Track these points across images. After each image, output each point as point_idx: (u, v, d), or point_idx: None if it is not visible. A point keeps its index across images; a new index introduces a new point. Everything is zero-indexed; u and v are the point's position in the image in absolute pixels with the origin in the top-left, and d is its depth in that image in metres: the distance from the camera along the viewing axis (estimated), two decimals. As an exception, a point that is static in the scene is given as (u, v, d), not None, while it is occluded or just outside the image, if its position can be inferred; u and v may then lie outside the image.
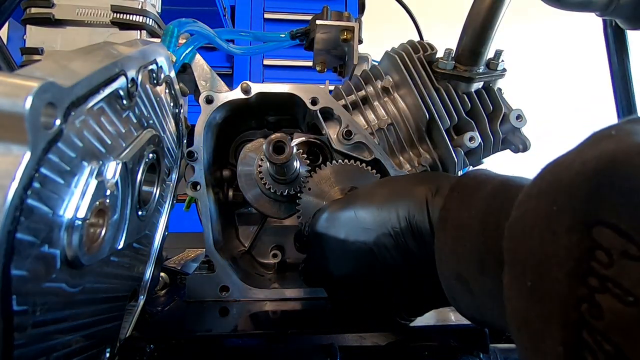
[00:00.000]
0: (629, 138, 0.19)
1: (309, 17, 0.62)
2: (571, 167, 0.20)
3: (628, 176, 0.18)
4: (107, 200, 0.27)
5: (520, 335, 0.21)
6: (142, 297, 0.40)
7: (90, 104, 0.24)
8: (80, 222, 0.24)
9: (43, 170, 0.20)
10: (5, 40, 0.60)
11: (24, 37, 0.54)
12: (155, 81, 0.36)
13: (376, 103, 0.56)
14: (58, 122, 0.20)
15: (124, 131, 0.30)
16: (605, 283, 0.17)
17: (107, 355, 0.33)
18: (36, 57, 0.52)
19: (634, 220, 0.17)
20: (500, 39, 0.53)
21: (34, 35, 0.53)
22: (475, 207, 0.28)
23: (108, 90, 0.26)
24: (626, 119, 0.21)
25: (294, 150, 0.47)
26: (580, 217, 0.18)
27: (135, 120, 0.32)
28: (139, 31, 0.54)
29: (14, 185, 0.18)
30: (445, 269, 0.30)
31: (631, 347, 0.16)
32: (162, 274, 0.56)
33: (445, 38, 0.65)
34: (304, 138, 0.55)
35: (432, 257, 0.31)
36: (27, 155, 0.19)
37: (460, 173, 0.60)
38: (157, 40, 0.51)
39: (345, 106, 0.54)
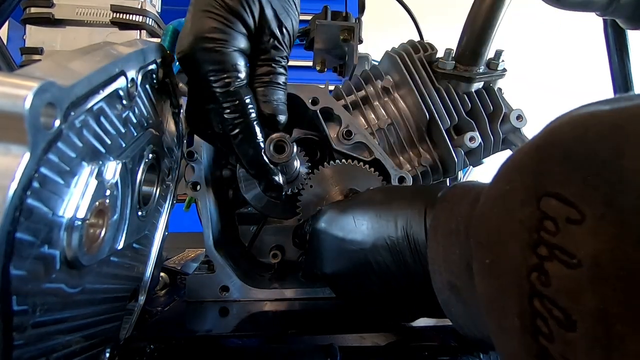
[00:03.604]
0: (566, 116, 0.20)
1: (308, 17, 0.62)
2: (521, 149, 0.22)
3: (563, 146, 0.19)
4: (107, 201, 0.27)
5: (490, 319, 0.22)
6: (142, 297, 0.40)
7: (90, 104, 0.24)
8: (80, 223, 0.24)
9: (43, 170, 0.20)
10: (5, 40, 0.60)
11: (24, 37, 0.54)
12: (154, 81, 0.36)
13: (376, 103, 0.56)
14: (58, 122, 0.20)
15: (123, 131, 0.30)
16: (553, 250, 0.18)
17: (107, 355, 0.33)
18: (36, 56, 0.52)
19: (572, 186, 0.18)
20: (500, 39, 0.53)
21: (34, 35, 0.53)
22: (461, 214, 0.29)
23: (108, 91, 0.26)
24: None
25: (294, 150, 0.47)
26: (530, 191, 0.19)
27: (135, 121, 0.32)
28: (138, 31, 0.54)
29: (14, 185, 0.18)
30: (439, 279, 0.30)
31: (577, 310, 0.16)
32: (162, 274, 0.56)
33: (445, 38, 0.65)
34: (301, 134, 0.55)
35: (425, 269, 0.32)
36: (27, 156, 0.18)
37: (460, 173, 0.61)
38: (157, 40, 0.51)
39: (345, 106, 0.54)
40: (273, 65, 0.41)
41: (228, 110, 0.38)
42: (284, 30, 0.41)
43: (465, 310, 0.28)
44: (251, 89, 0.42)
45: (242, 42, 0.38)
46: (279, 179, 0.44)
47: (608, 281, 0.16)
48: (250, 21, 0.38)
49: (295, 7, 0.42)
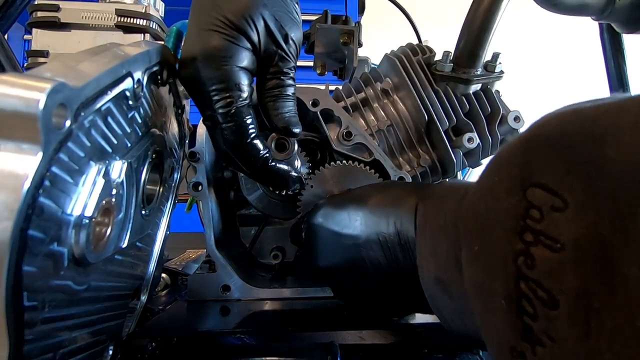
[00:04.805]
0: (553, 112, 0.21)
1: (308, 17, 0.62)
2: (509, 144, 0.23)
3: (548, 139, 0.20)
4: (113, 200, 0.27)
5: (476, 303, 0.23)
6: (144, 295, 0.41)
7: (99, 104, 0.24)
8: (87, 221, 0.24)
9: (54, 169, 0.21)
10: (6, 41, 0.60)
11: (24, 38, 0.55)
12: (159, 82, 0.37)
13: (376, 105, 0.56)
14: (68, 122, 0.21)
15: (129, 131, 0.30)
16: (538, 236, 0.19)
17: (110, 352, 0.33)
18: (41, 59, 0.53)
19: (556, 176, 0.19)
20: (498, 41, 0.54)
21: (40, 38, 0.53)
22: (449, 210, 0.29)
23: (116, 91, 0.27)
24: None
25: (296, 148, 0.47)
26: (516, 181, 0.21)
27: (140, 121, 0.32)
28: (142, 34, 0.54)
29: (27, 183, 0.19)
30: (427, 274, 0.31)
31: (559, 289, 0.18)
32: (163, 275, 0.56)
33: (443, 41, 0.65)
34: (302, 136, 0.56)
35: (415, 265, 0.32)
36: (40, 155, 0.19)
37: (459, 174, 0.61)
38: (161, 43, 0.52)
39: (345, 108, 0.55)
40: (282, 77, 0.41)
41: (227, 132, 0.38)
42: (290, 40, 0.41)
43: (451, 304, 0.29)
44: (261, 103, 0.41)
45: (246, 59, 0.38)
46: (294, 171, 0.44)
47: (587, 262, 0.17)
48: (255, 36, 0.38)
49: (298, 15, 0.42)
